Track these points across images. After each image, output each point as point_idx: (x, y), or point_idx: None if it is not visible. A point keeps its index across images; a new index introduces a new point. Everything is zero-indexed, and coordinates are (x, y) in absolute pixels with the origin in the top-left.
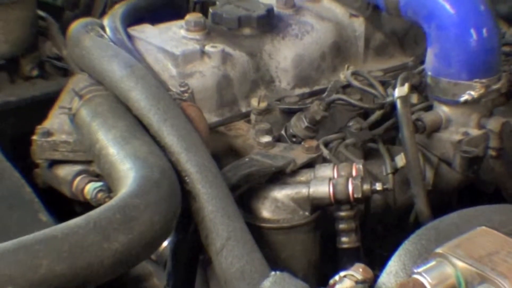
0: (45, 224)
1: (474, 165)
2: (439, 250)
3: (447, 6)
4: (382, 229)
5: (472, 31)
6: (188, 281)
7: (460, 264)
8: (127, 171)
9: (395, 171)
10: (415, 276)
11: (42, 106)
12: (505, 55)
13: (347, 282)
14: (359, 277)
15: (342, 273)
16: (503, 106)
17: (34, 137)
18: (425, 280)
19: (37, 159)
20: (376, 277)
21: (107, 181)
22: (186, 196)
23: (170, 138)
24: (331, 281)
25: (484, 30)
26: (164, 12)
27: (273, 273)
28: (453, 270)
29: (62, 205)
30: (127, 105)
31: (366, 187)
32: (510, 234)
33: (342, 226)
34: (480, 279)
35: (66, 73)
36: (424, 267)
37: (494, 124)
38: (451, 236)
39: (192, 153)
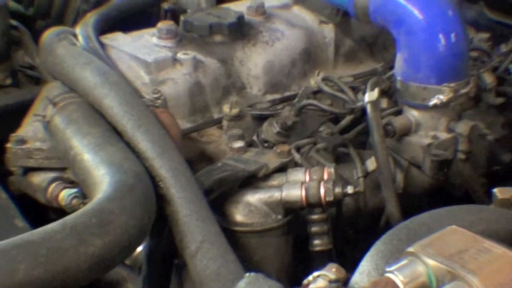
0: (21, 229)
1: (444, 168)
2: (410, 249)
3: (416, 12)
4: (353, 232)
5: (441, 36)
6: (163, 285)
7: (431, 262)
8: (102, 177)
9: (366, 174)
10: (387, 274)
11: (16, 114)
12: (473, 60)
13: (321, 282)
14: (332, 276)
15: (315, 273)
16: (471, 110)
17: (8, 145)
18: (397, 278)
19: (11, 167)
20: (348, 278)
21: (82, 187)
22: (160, 200)
23: (144, 144)
24: (305, 281)
25: (453, 35)
26: (136, 20)
27: (247, 274)
28: (424, 269)
29: (36, 213)
30: (101, 112)
31: (337, 190)
32: (480, 233)
33: (314, 229)
34: (451, 277)
35: (38, 82)
36: (396, 266)
37: (463, 127)
38: (422, 236)
39: (166, 158)
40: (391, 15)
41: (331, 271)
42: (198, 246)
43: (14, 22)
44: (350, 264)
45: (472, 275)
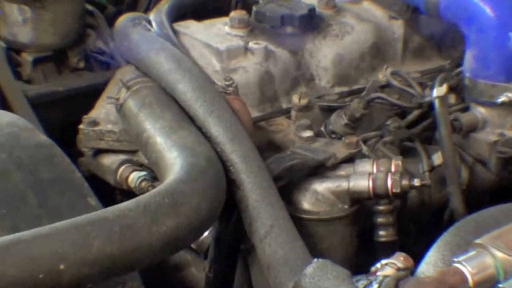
0: (94, 208)
1: (510, 165)
2: (479, 240)
3: (487, 10)
4: (415, 227)
5: (511, 34)
6: (229, 269)
7: (499, 254)
8: (175, 159)
9: (432, 169)
10: (455, 265)
11: (88, 97)
12: None
13: (389, 269)
14: (400, 265)
15: (383, 261)
16: None
17: (81, 126)
18: (465, 269)
19: (83, 148)
20: (414, 268)
21: (154, 169)
22: (231, 185)
23: (216, 129)
24: (373, 268)
25: None
26: (208, 9)
27: (315, 260)
28: (492, 260)
29: (103, 195)
30: (174, 96)
31: (404, 182)
32: None
33: (380, 220)
34: None
35: (108, 67)
36: (464, 257)
37: None
38: (489, 229)
39: (237, 144)
40: (462, 12)
41: (399, 260)
42: (268, 231)
43: (89, 7)
44: (412, 258)
45: None
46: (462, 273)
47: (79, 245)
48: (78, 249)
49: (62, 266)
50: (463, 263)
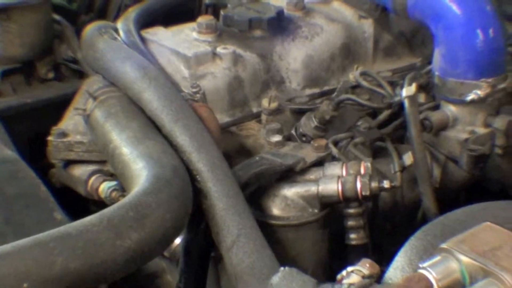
0: (60, 222)
1: (481, 163)
2: (444, 245)
3: (454, 7)
4: (390, 226)
5: (479, 31)
6: (200, 278)
7: (464, 259)
8: (140, 170)
9: (403, 169)
10: (421, 271)
11: (58, 107)
12: (511, 55)
13: (354, 277)
14: (366, 272)
15: (349, 269)
16: (509, 105)
17: (50, 138)
18: (430, 275)
19: (52, 159)
20: (383, 272)
21: (120, 180)
22: (197, 194)
23: (182, 138)
24: (339, 276)
25: (490, 31)
26: (176, 15)
27: (282, 268)
28: (457, 265)
29: (77, 205)
30: (140, 106)
31: (374, 184)
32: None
33: (350, 223)
34: (484, 274)
35: (81, 75)
36: (429, 262)
37: (500, 122)
38: (456, 232)
39: (203, 152)
40: (429, 10)
41: (364, 267)
42: (234, 240)
43: (57, 17)
44: (388, 257)
45: (505, 272)
46: (427, 279)
47: (42, 263)
48: (41, 267)
49: (25, 285)
50: (428, 269)
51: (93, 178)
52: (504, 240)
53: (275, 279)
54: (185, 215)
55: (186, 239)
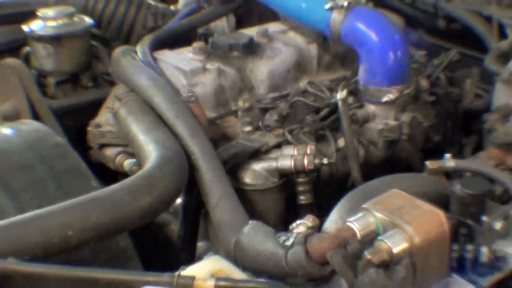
0: (95, 188)
1: (392, 146)
2: (364, 205)
3: (373, 36)
4: (329, 191)
5: (390, 53)
6: (194, 227)
7: (378, 215)
8: (150, 152)
9: (338, 150)
10: (348, 223)
11: (95, 107)
12: (414, 70)
13: (301, 228)
14: (310, 224)
15: (298, 221)
16: (412, 105)
17: (89, 128)
18: (355, 226)
19: (91, 144)
20: (322, 225)
21: (137, 159)
22: (191, 168)
23: (180, 128)
24: (290, 227)
25: (399, 53)
26: (178, 41)
27: (251, 222)
28: (374, 220)
29: (108, 176)
30: (152, 106)
31: (316, 161)
32: (414, 194)
33: (300, 188)
34: (392, 226)
35: (111, 84)
36: (354, 217)
37: (406, 117)
38: (373, 196)
39: (195, 139)
40: (356, 38)
41: (309, 220)
42: (217, 201)
43: (95, 43)
44: (326, 214)
45: (407, 225)
46: (352, 229)
47: (81, 217)
48: (80, 220)
49: (70, 233)
50: (353, 222)
51: (119, 156)
52: (406, 202)
53: (246, 229)
54: (183, 183)
55: (184, 200)
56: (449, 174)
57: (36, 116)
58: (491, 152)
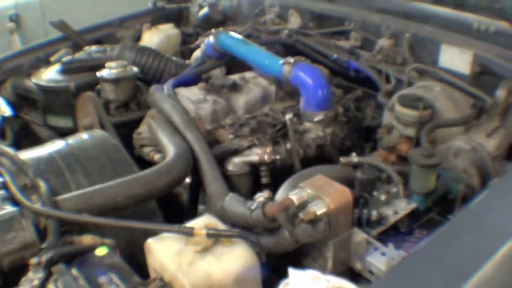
0: (135, 172)
1: (320, 148)
2: (300, 185)
3: (308, 80)
4: (281, 175)
5: (320, 91)
6: (196, 197)
7: (309, 191)
8: (170, 150)
9: (286, 150)
10: (290, 196)
11: (138, 122)
12: (334, 101)
13: (261, 198)
14: (266, 196)
15: (259, 194)
16: (333, 122)
17: (134, 135)
18: (294, 197)
19: (134, 145)
20: (274, 196)
21: (162, 154)
22: (194, 160)
23: (189, 135)
24: (255, 197)
25: (325, 91)
26: (190, 82)
27: (230, 194)
28: (306, 194)
29: (145, 164)
30: (171, 122)
31: (273, 157)
32: (331, 178)
33: (262, 174)
34: (317, 197)
35: (148, 108)
36: (293, 192)
37: (329, 130)
38: (306, 179)
39: (198, 142)
40: (298, 81)
41: (266, 193)
42: (210, 181)
43: (138, 83)
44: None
45: (326, 197)
46: (292, 200)
47: (125, 189)
48: (125, 191)
49: (119, 199)
50: (293, 195)
51: (151, 153)
52: (326, 183)
53: (227, 198)
54: (189, 169)
55: (190, 180)
56: (355, 166)
57: (102, 127)
58: (380, 152)
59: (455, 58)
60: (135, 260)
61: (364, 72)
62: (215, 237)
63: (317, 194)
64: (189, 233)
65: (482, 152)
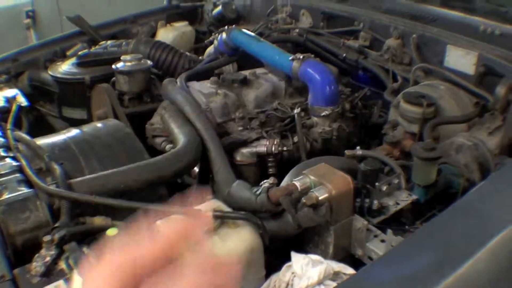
0: (147, 159)
1: (327, 142)
2: (304, 172)
3: (317, 76)
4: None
5: (327, 87)
6: (205, 183)
7: (312, 178)
8: (181, 139)
9: (294, 143)
10: (293, 182)
11: (151, 113)
12: (342, 98)
13: (267, 184)
14: (271, 182)
15: (264, 181)
16: (340, 118)
17: (146, 125)
18: (297, 183)
19: (147, 134)
20: (279, 184)
21: (174, 143)
22: (204, 148)
23: (199, 125)
24: (260, 184)
25: (332, 87)
26: (202, 76)
27: (237, 181)
28: (309, 180)
29: (155, 152)
30: (183, 112)
31: (280, 148)
32: (335, 167)
33: (270, 164)
34: (319, 184)
35: (160, 100)
36: (298, 179)
37: (335, 125)
38: (311, 167)
39: (208, 132)
40: (307, 77)
41: (272, 180)
42: (218, 169)
43: (152, 76)
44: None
45: (328, 183)
46: (296, 185)
47: (138, 174)
48: (138, 175)
49: (131, 183)
50: (297, 181)
51: (163, 143)
52: (328, 170)
53: (234, 185)
54: (198, 157)
55: (199, 168)
56: (360, 160)
57: (116, 117)
58: (384, 147)
59: (461, 59)
60: None
61: (371, 71)
62: (220, 218)
63: (319, 181)
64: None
65: (483, 148)
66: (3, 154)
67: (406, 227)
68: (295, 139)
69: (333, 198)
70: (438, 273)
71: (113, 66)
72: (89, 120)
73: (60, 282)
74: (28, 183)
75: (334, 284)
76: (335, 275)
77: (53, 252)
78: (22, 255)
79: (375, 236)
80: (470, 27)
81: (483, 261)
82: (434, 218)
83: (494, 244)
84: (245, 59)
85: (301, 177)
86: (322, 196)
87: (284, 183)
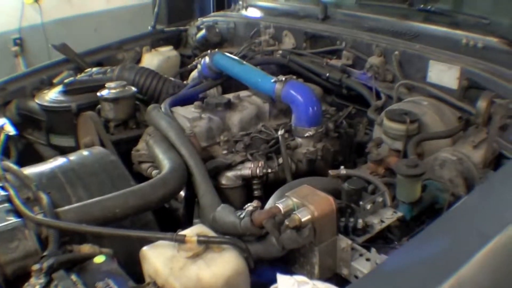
0: (133, 185)
1: (312, 163)
2: (287, 194)
3: (299, 97)
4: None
5: (310, 108)
6: (191, 210)
7: (295, 200)
8: (165, 165)
9: (279, 165)
10: (276, 204)
11: (136, 139)
12: (327, 118)
13: (250, 207)
14: (255, 205)
15: (248, 204)
16: (324, 138)
17: (132, 152)
18: (281, 205)
19: (134, 161)
20: (263, 206)
21: (159, 169)
22: (189, 174)
23: (183, 151)
24: (244, 207)
25: (315, 108)
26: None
27: (222, 205)
28: (292, 202)
29: (141, 178)
30: (167, 138)
31: (264, 170)
32: (318, 189)
33: (254, 187)
34: (302, 205)
35: (146, 126)
36: (281, 201)
37: (319, 146)
38: (293, 188)
39: (192, 157)
40: (290, 99)
41: (256, 203)
42: (203, 194)
43: (137, 102)
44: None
45: (310, 205)
46: (279, 208)
47: (124, 202)
48: (122, 203)
49: (117, 210)
50: (280, 203)
51: (149, 169)
52: (310, 192)
53: (218, 209)
54: (183, 183)
55: (185, 193)
56: (345, 179)
57: (102, 145)
58: (369, 165)
59: (443, 74)
60: (133, 270)
61: (355, 89)
62: (205, 243)
63: (302, 202)
64: (181, 240)
65: (468, 162)
66: None
67: (395, 242)
68: (280, 160)
69: (316, 219)
70: None
71: (98, 94)
72: (77, 147)
73: None
74: (17, 213)
75: None
76: None
77: (42, 280)
78: (12, 284)
79: (361, 255)
80: (452, 41)
81: (467, 277)
82: (417, 235)
83: (480, 258)
84: (230, 82)
85: (284, 199)
86: (305, 218)
87: (268, 205)
